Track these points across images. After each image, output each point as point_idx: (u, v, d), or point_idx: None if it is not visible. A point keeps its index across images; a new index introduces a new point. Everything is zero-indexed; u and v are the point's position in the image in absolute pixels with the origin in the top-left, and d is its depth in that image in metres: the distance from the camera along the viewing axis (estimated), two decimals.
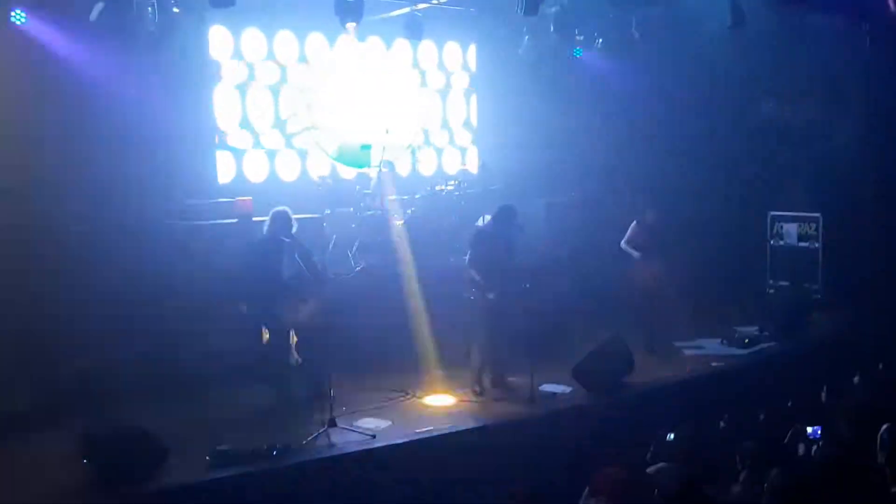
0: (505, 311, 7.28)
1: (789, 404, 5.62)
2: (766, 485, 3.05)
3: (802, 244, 10.42)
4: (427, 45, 10.52)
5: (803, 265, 10.36)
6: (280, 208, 7.16)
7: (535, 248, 8.38)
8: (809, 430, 4.69)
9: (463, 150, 11.00)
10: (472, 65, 11.02)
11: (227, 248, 7.75)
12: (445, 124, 10.87)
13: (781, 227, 10.62)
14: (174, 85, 8.34)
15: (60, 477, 5.46)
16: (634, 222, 8.54)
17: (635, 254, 8.40)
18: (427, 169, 10.73)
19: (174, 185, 8.28)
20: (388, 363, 8.04)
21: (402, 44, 10.27)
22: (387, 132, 9.39)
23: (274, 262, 7.00)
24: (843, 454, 4.05)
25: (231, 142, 9.23)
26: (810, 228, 10.40)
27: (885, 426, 3.94)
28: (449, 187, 9.71)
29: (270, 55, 9.46)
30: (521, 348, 7.51)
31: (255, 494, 5.46)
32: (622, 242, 8.54)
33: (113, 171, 7.79)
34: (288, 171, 9.68)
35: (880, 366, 6.46)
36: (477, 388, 7.30)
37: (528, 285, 7.39)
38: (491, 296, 7.16)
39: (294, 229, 7.08)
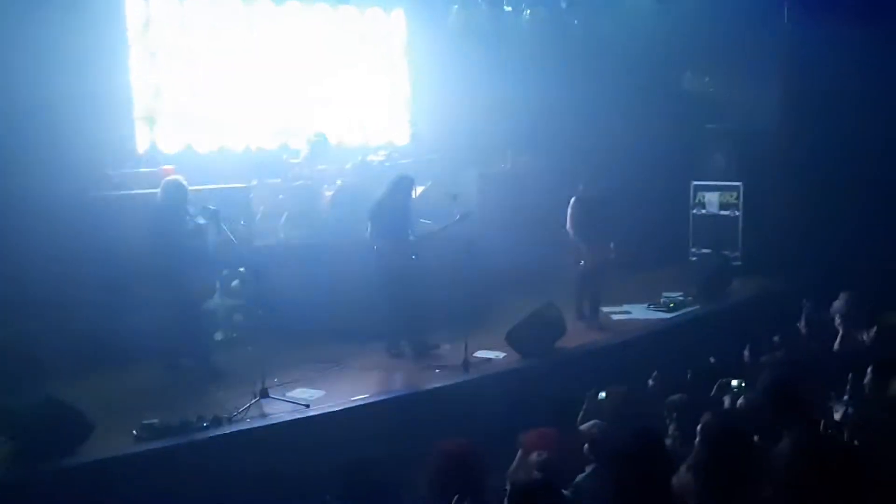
0: (408, 278, 7.40)
1: (713, 361, 5.80)
2: (698, 427, 3.14)
3: (723, 213, 10.78)
4: (353, 11, 10.31)
5: (724, 233, 10.72)
6: (175, 178, 7.02)
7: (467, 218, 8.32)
8: (734, 382, 4.87)
9: (394, 120, 10.87)
10: (402, 32, 10.87)
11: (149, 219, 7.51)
12: (375, 93, 10.70)
13: (703, 196, 10.95)
14: (87, 49, 7.99)
15: None
16: (573, 199, 8.38)
17: (582, 245, 8.28)
18: (357, 139, 10.56)
19: (92, 155, 7.95)
20: (320, 334, 7.99)
21: (324, 9, 10.04)
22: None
23: (193, 233, 6.85)
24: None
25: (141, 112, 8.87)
26: (731, 197, 10.76)
27: (761, 378, 4.10)
28: (380, 157, 9.59)
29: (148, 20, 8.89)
30: (453, 317, 7.57)
31: (185, 466, 5.34)
32: (568, 228, 8.33)
33: (25, 141, 7.45)
34: (203, 143, 9.33)
35: (799, 325, 6.74)
36: (394, 351, 7.48)
37: (414, 257, 7.47)
38: (394, 265, 7.32)
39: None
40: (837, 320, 6.12)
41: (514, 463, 4.95)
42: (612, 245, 8.40)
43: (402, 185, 7.68)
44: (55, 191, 7.42)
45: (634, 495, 2.68)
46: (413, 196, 7.67)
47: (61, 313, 6.96)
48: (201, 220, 6.89)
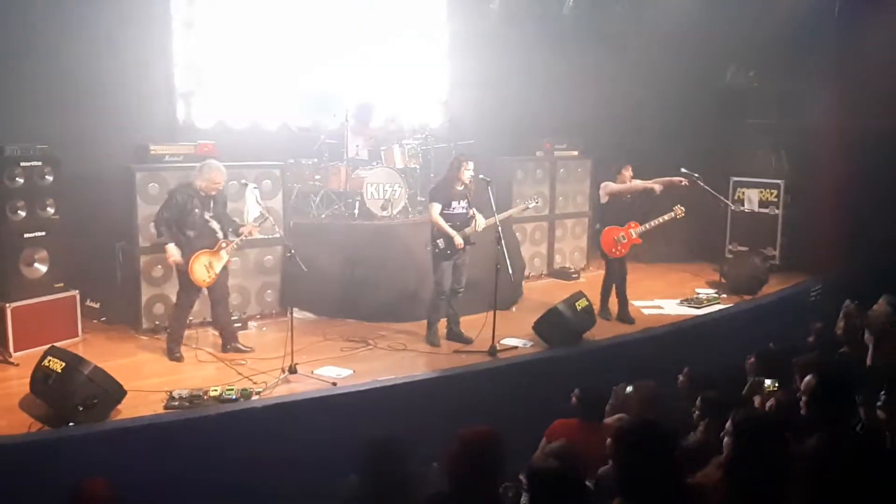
0: (464, 263, 7.35)
1: (752, 360, 5.66)
2: (727, 424, 3.09)
3: (763, 210, 10.60)
4: None
5: (763, 231, 10.56)
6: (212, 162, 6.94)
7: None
8: (767, 382, 4.78)
9: (431, 104, 10.83)
10: (443, 15, 10.83)
11: None
12: (413, 76, 10.67)
13: (743, 192, 10.79)
14: (130, 23, 8.11)
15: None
16: (606, 183, 8.32)
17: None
18: (394, 122, 10.55)
19: (134, 128, 8.09)
20: (351, 313, 8.04)
21: None
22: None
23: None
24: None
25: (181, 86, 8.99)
26: (771, 195, 10.58)
27: (807, 377, 4.00)
28: (415, 141, 9.57)
29: None
30: (483, 303, 7.54)
31: (211, 436, 5.41)
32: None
33: (69, 115, 7.60)
34: (241, 119, 9.42)
35: (817, 325, 6.62)
36: (433, 340, 7.37)
37: (473, 242, 7.29)
38: (453, 248, 7.17)
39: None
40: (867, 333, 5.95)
41: (538, 452, 4.94)
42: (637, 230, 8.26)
43: (451, 163, 7.44)
44: (99, 161, 7.60)
45: (640, 488, 2.65)
46: (459, 173, 7.27)
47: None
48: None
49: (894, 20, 9.11)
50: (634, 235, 8.22)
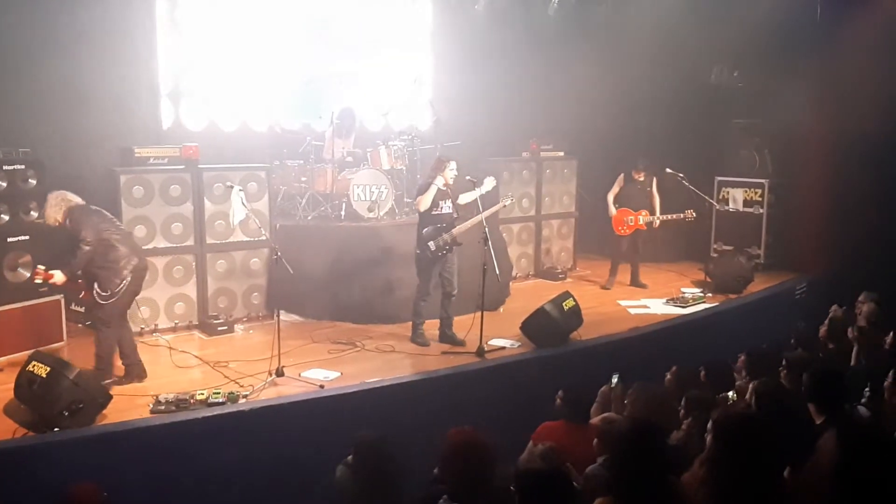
0: (453, 265, 7.32)
1: (745, 356, 5.69)
2: (709, 422, 3.12)
3: (747, 209, 10.68)
4: None
5: (747, 230, 10.63)
6: None
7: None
8: (730, 394, 4.86)
9: (416, 105, 10.82)
10: (428, 16, 10.84)
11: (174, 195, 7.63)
12: (399, 77, 10.67)
13: (728, 192, 10.86)
14: (115, 26, 8.07)
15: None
16: (622, 175, 9.53)
17: (612, 209, 9.51)
18: (379, 123, 10.57)
19: (119, 131, 8.06)
20: (338, 315, 8.03)
21: None
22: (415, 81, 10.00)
23: None
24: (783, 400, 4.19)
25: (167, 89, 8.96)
26: (756, 195, 10.65)
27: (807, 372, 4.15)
28: (401, 142, 9.56)
29: None
30: (470, 304, 7.54)
31: (197, 439, 5.38)
32: (610, 197, 9.56)
33: (53, 118, 7.56)
34: (228, 121, 9.39)
35: (801, 325, 6.70)
36: (420, 341, 7.34)
37: (460, 243, 7.27)
38: (444, 250, 7.15)
39: None
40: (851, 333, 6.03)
41: (525, 453, 4.95)
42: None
43: (434, 164, 7.41)
44: (84, 164, 7.55)
45: (632, 485, 2.67)
46: (441, 173, 7.23)
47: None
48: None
49: (875, 22, 9.20)
50: (641, 221, 9.42)
